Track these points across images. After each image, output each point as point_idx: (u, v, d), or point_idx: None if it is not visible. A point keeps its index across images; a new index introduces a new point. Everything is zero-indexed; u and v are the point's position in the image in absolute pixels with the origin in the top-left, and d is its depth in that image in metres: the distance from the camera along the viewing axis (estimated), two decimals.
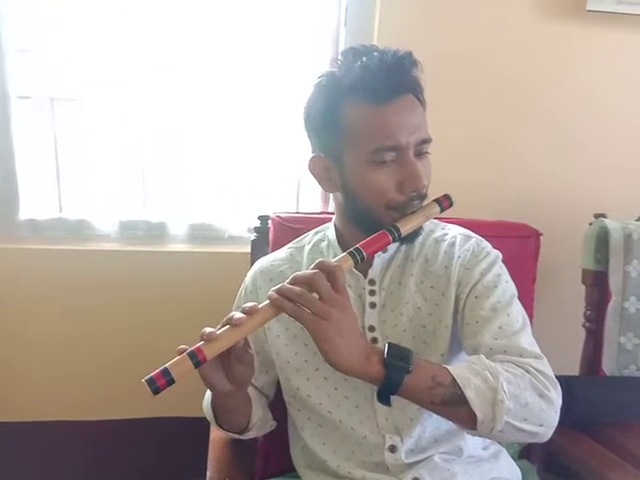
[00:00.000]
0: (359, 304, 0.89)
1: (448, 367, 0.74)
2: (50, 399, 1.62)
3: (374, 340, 0.87)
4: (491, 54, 1.52)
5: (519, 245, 1.21)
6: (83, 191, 1.58)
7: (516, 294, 0.86)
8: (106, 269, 1.56)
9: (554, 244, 1.34)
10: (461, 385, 0.71)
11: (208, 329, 0.70)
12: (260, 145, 1.59)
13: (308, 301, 0.70)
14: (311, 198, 1.64)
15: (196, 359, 0.68)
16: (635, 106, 1.61)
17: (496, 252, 0.90)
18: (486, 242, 0.92)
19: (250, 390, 0.91)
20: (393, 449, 0.85)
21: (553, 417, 0.74)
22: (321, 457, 0.90)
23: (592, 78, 1.57)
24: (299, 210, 1.63)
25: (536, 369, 0.75)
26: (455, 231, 0.93)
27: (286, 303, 0.70)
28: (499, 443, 0.96)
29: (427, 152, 0.83)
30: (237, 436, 0.94)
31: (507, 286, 0.86)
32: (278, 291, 0.71)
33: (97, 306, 1.58)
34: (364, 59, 0.79)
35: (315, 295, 0.71)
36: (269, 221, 1.22)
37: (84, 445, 1.64)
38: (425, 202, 0.83)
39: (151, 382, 0.66)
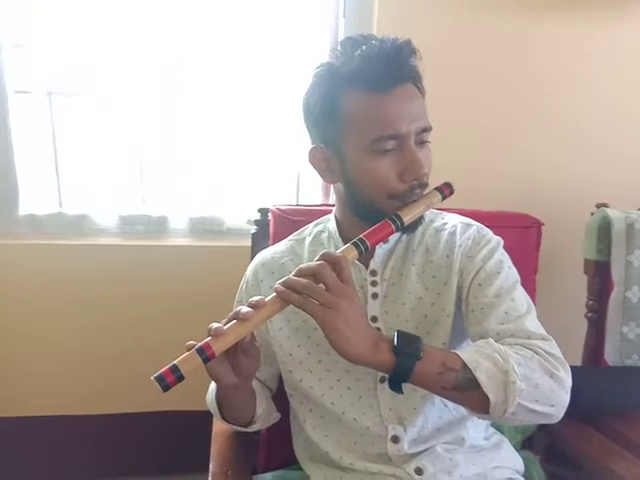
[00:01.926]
0: (361, 295, 0.88)
1: (457, 352, 0.74)
2: (51, 394, 1.62)
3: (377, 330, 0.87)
4: (492, 43, 1.51)
5: (521, 235, 1.20)
6: (82, 186, 1.58)
7: (519, 280, 0.86)
8: (106, 264, 1.56)
9: (556, 234, 1.34)
10: (472, 369, 0.71)
11: (215, 325, 0.70)
12: (260, 138, 1.58)
13: (315, 292, 0.70)
14: (311, 190, 1.63)
15: (205, 355, 0.68)
16: (636, 96, 1.60)
17: (497, 238, 0.90)
18: (487, 229, 0.91)
19: (254, 383, 0.91)
20: (396, 440, 0.85)
21: (564, 397, 0.74)
22: (323, 449, 0.90)
23: (594, 68, 1.57)
24: (299, 202, 1.62)
25: (545, 350, 0.75)
26: (455, 220, 0.93)
27: (293, 295, 0.70)
28: (501, 433, 0.96)
29: (428, 141, 0.83)
30: (242, 429, 0.94)
31: (510, 272, 0.86)
32: (284, 283, 0.71)
33: (97, 301, 1.58)
34: (363, 48, 0.78)
35: (321, 286, 0.71)
36: (269, 214, 1.21)
37: (85, 439, 1.64)
38: (426, 191, 0.83)
39: (160, 379, 0.66)
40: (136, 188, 1.60)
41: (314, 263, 0.72)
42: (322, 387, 0.89)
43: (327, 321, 0.69)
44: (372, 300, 0.88)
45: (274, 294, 0.71)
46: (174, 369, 0.66)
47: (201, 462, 0.98)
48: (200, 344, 0.69)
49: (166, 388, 0.66)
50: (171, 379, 0.66)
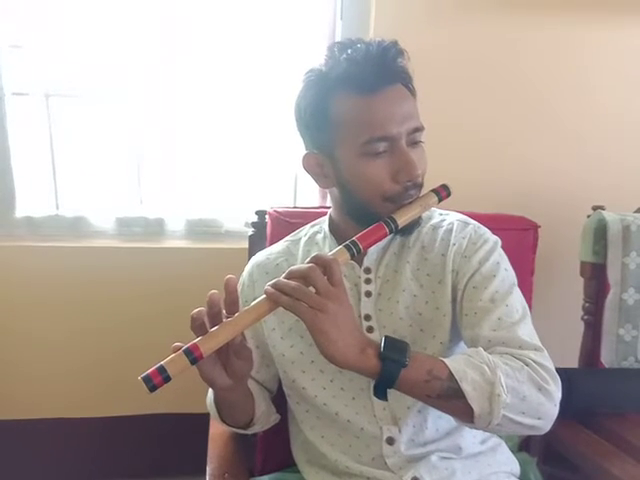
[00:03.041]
0: (355, 293, 0.88)
1: (445, 360, 0.73)
2: (48, 396, 1.62)
3: (370, 329, 0.86)
4: (490, 46, 1.52)
5: (517, 238, 1.20)
6: (79, 188, 1.58)
7: (515, 282, 0.85)
8: (103, 266, 1.56)
9: (552, 236, 1.34)
10: (458, 379, 0.70)
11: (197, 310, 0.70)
12: (257, 140, 1.59)
13: (304, 294, 0.69)
14: (308, 192, 1.63)
15: (192, 356, 0.67)
16: (632, 99, 1.61)
17: (495, 238, 0.89)
18: (484, 228, 0.91)
19: (252, 384, 0.91)
20: (391, 441, 0.85)
21: (552, 410, 0.74)
22: (320, 450, 0.90)
23: (590, 72, 1.57)
24: (296, 205, 1.62)
25: (535, 362, 0.74)
26: (453, 217, 0.93)
27: (282, 297, 0.69)
28: (498, 436, 0.96)
29: (420, 141, 0.82)
30: (242, 431, 0.94)
31: (506, 275, 0.85)
32: (274, 285, 0.70)
33: (95, 303, 1.57)
34: (349, 51, 0.79)
35: (312, 289, 0.70)
36: (266, 216, 1.21)
37: (83, 442, 1.64)
38: (422, 192, 0.83)
39: (147, 380, 0.66)
40: (133, 190, 1.59)
41: (304, 265, 0.71)
42: (315, 388, 0.88)
43: (315, 323, 0.69)
44: (366, 298, 0.88)
45: (264, 295, 0.71)
46: (161, 370, 0.66)
47: (198, 465, 0.98)
48: (188, 345, 0.68)
49: (153, 389, 0.66)
50: (158, 380, 0.66)
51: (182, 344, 0.69)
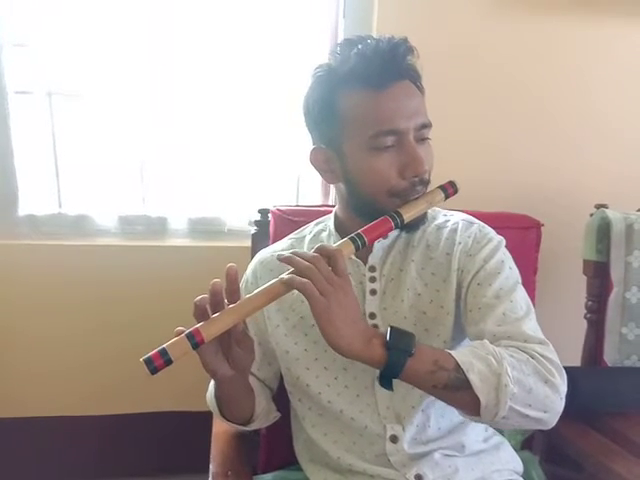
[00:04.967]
0: (360, 291, 0.88)
1: (451, 352, 0.73)
2: (50, 395, 1.62)
3: (375, 327, 0.86)
4: (493, 45, 1.52)
5: (520, 236, 1.20)
6: (82, 186, 1.58)
7: (520, 280, 0.86)
8: (106, 264, 1.56)
9: (555, 235, 1.34)
10: (464, 369, 0.70)
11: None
12: (260, 139, 1.59)
13: (314, 274, 0.69)
14: (311, 191, 1.63)
15: (194, 340, 0.68)
16: (635, 100, 1.60)
17: (499, 238, 0.90)
18: (489, 228, 0.91)
19: (253, 381, 0.91)
20: (395, 439, 0.85)
21: (558, 403, 0.74)
22: (323, 448, 0.89)
23: (592, 73, 1.57)
24: (299, 203, 1.63)
25: (541, 354, 0.74)
26: (457, 217, 0.93)
27: (296, 278, 0.69)
28: (501, 434, 0.96)
29: (428, 137, 0.83)
30: (241, 427, 0.94)
31: (510, 272, 0.85)
32: (288, 260, 0.71)
33: (97, 301, 1.58)
34: (359, 47, 0.79)
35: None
36: (269, 214, 1.22)
37: (84, 441, 1.64)
38: (429, 189, 0.83)
39: (149, 362, 0.67)
40: (136, 188, 1.59)
41: (309, 254, 0.72)
42: (319, 385, 0.88)
43: (322, 311, 0.69)
44: (370, 296, 0.88)
45: (264, 285, 0.72)
46: (163, 352, 0.67)
47: (200, 463, 0.98)
48: (190, 330, 0.69)
49: (154, 371, 0.67)
50: (159, 362, 0.67)
51: (185, 328, 0.70)
